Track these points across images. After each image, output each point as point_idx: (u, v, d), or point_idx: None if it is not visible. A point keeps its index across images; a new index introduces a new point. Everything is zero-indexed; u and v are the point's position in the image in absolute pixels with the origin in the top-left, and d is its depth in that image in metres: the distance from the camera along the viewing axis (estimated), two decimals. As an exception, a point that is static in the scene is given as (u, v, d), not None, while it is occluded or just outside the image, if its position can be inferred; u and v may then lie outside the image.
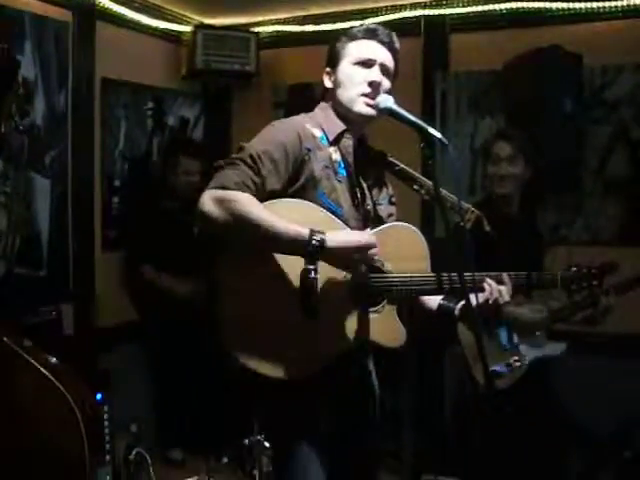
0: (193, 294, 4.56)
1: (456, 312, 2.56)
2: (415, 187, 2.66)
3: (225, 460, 4.51)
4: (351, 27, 2.54)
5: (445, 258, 2.50)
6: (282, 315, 2.30)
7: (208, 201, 2.23)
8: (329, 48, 2.55)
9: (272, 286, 2.31)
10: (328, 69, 2.53)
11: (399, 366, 4.34)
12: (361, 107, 2.45)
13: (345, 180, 2.47)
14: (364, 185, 2.56)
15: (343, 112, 2.49)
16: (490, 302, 2.47)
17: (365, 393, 2.59)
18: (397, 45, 2.52)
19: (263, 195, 2.29)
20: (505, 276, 2.53)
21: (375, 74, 2.44)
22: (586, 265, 2.82)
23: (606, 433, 4.16)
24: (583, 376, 4.13)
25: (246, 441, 4.31)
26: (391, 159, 2.67)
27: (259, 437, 4.25)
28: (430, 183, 2.58)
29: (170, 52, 5.19)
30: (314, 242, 2.20)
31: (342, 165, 2.47)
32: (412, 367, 4.42)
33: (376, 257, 2.35)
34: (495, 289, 2.48)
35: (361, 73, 2.44)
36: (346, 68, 2.47)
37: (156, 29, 5.00)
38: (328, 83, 2.53)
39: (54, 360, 2.54)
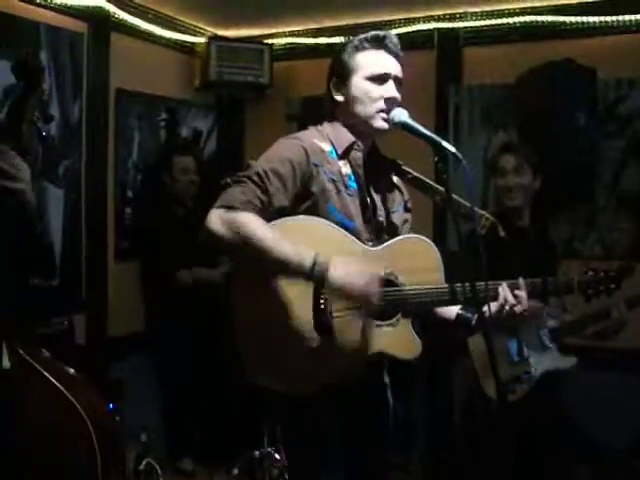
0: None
1: (473, 322, 2.53)
2: (429, 195, 2.65)
3: (235, 472, 4.50)
4: (359, 37, 2.49)
5: (458, 271, 2.51)
6: (295, 331, 2.31)
7: (215, 220, 2.24)
8: (335, 58, 2.52)
9: (284, 302, 2.31)
10: (336, 80, 2.50)
11: (410, 378, 4.34)
12: (379, 123, 2.43)
13: (356, 193, 2.46)
14: (376, 196, 2.54)
15: (358, 126, 2.48)
16: (506, 309, 2.45)
17: (380, 407, 2.59)
18: (401, 52, 2.51)
19: (271, 213, 2.30)
20: (521, 282, 2.50)
21: (392, 90, 2.43)
22: (603, 269, 2.80)
23: (615, 445, 4.15)
24: (593, 390, 4.11)
25: (256, 453, 4.31)
26: (404, 167, 2.66)
27: (269, 449, 4.24)
28: (443, 190, 2.57)
29: (184, 63, 5.21)
30: (316, 273, 2.20)
31: (352, 178, 2.46)
32: (423, 379, 4.41)
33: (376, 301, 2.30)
34: (509, 296, 2.45)
35: (378, 89, 2.42)
36: (360, 83, 2.44)
37: (170, 40, 5.03)
38: (338, 97, 2.49)
39: (70, 371, 2.54)
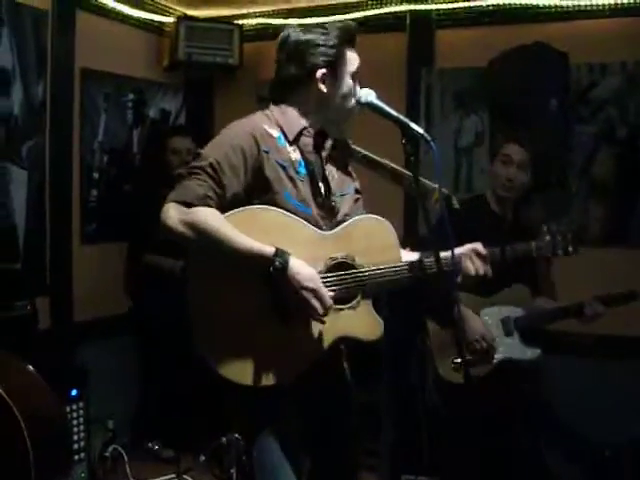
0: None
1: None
2: (379, 172, 2.64)
3: (202, 458, 4.47)
4: (343, 28, 2.41)
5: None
6: (255, 321, 2.28)
7: (173, 216, 2.23)
8: (328, 47, 2.38)
9: (243, 292, 2.28)
10: (326, 71, 2.39)
11: (377, 364, 4.31)
12: (347, 126, 2.50)
13: (307, 179, 2.42)
14: (329, 179, 2.50)
15: (333, 119, 2.47)
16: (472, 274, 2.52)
17: (341, 391, 2.57)
18: None
19: (225, 202, 2.29)
20: (479, 245, 2.55)
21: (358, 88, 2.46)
22: (558, 230, 2.86)
23: (586, 432, 4.16)
24: (562, 376, 4.11)
25: (223, 439, 4.28)
26: (354, 146, 2.63)
27: (236, 435, 4.21)
28: (390, 166, 2.57)
29: (152, 43, 5.12)
30: (277, 263, 2.21)
31: (302, 164, 2.43)
32: (390, 365, 4.39)
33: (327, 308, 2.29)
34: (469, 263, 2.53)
35: (356, 88, 2.44)
36: (348, 80, 2.43)
37: (138, 20, 4.93)
38: (323, 87, 2.40)
39: (5, 356, 2.49)
